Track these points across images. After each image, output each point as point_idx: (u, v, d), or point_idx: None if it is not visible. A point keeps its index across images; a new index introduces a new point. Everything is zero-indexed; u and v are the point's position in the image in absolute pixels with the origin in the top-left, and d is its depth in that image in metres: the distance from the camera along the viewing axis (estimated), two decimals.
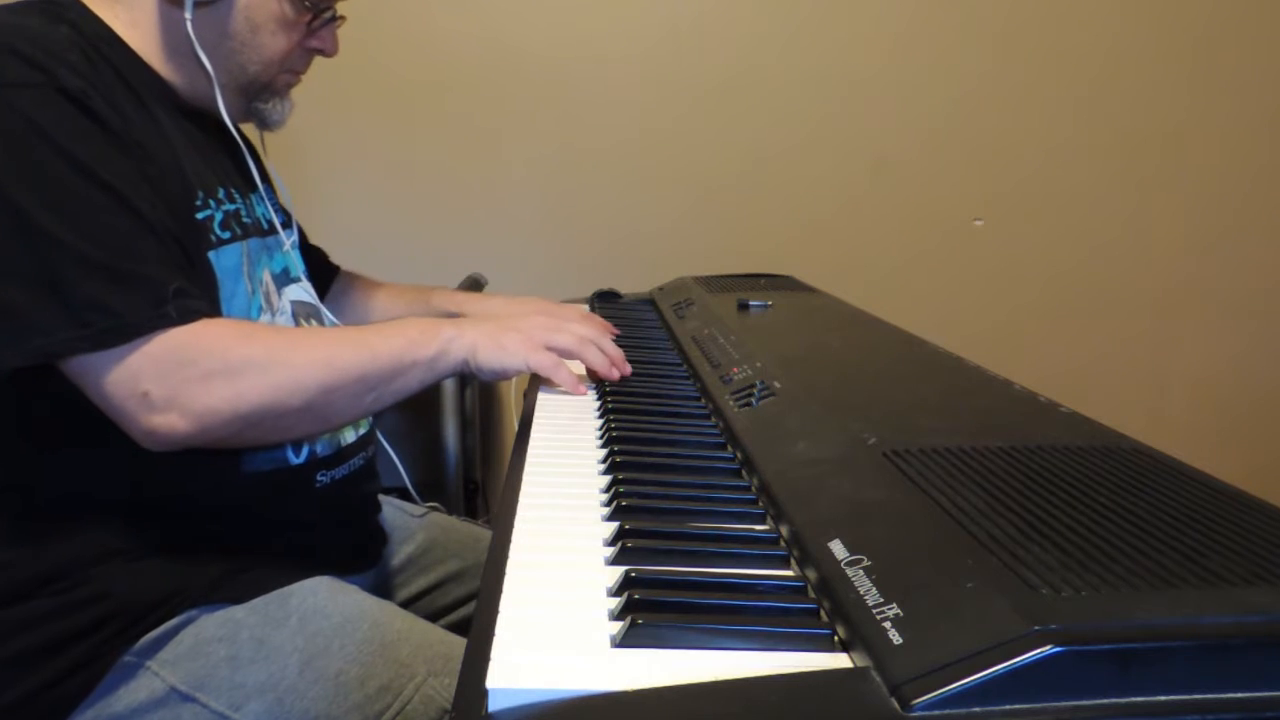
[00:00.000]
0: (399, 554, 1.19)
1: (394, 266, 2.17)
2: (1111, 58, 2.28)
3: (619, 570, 0.59)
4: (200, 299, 0.87)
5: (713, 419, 0.95)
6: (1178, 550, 0.54)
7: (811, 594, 0.58)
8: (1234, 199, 2.35)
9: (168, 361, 0.83)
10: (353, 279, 1.30)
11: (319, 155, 2.13)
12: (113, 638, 0.87)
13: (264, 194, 1.08)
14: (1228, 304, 2.39)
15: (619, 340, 1.13)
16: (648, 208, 2.23)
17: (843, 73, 2.23)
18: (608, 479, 0.77)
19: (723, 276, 1.68)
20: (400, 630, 0.92)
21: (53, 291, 0.80)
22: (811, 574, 0.58)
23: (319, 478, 0.99)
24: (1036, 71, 2.27)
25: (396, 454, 1.22)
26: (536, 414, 0.97)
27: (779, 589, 0.59)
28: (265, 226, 1.05)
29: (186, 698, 0.87)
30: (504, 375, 1.00)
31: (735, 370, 1.02)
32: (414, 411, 1.99)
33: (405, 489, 1.26)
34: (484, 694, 0.46)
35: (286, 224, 1.10)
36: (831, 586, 0.54)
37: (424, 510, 1.25)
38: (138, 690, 0.87)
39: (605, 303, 1.62)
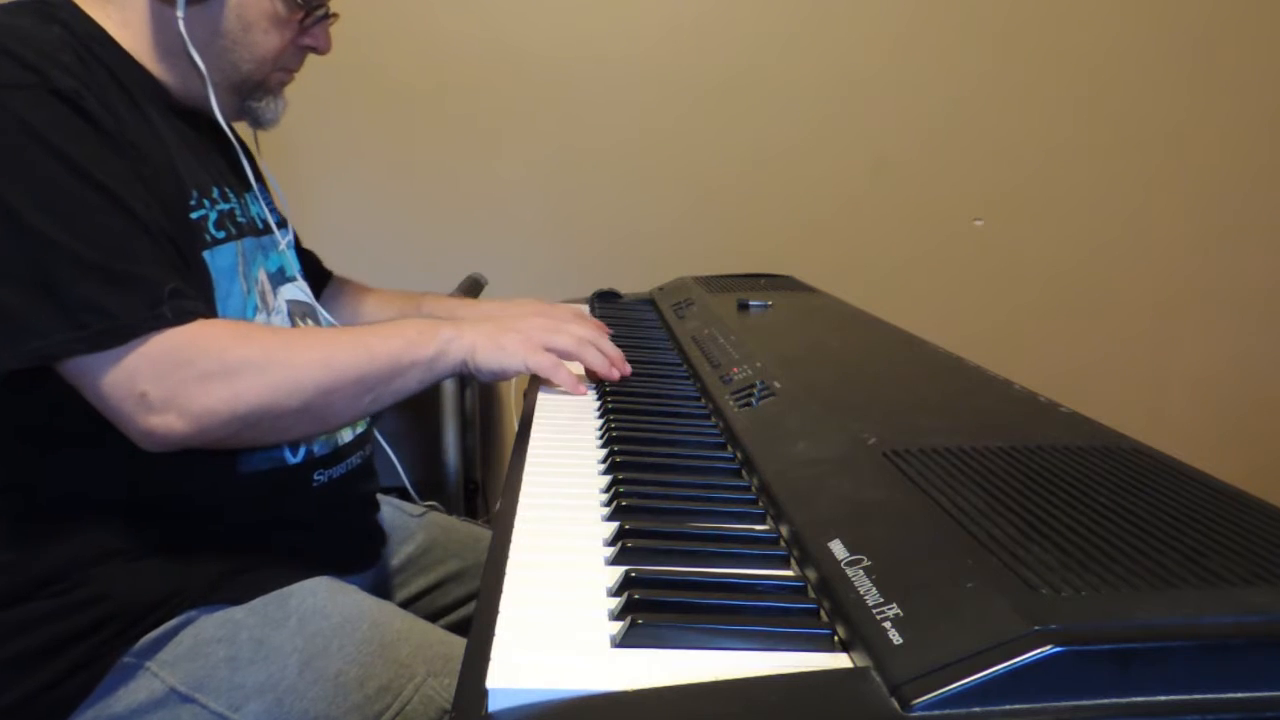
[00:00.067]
0: (399, 554, 1.19)
1: (394, 266, 2.18)
2: (1111, 58, 2.28)
3: (619, 570, 0.59)
4: (196, 299, 0.87)
5: (713, 419, 0.95)
6: (1178, 550, 0.54)
7: (811, 594, 0.58)
8: (1234, 199, 2.35)
9: (165, 362, 0.83)
10: (344, 284, 1.30)
11: (319, 155, 2.14)
12: (112, 639, 0.87)
13: (258, 194, 1.08)
14: (1228, 304, 2.39)
15: (618, 340, 1.13)
16: (648, 208, 2.23)
17: (843, 73, 2.23)
18: (608, 479, 0.77)
19: (723, 276, 1.68)
20: (400, 630, 0.92)
21: (48, 293, 0.80)
22: (811, 574, 0.58)
23: (316, 477, 0.99)
24: (1036, 71, 2.27)
25: (396, 454, 1.22)
26: (536, 414, 0.97)
27: (779, 589, 0.59)
28: (260, 226, 1.05)
29: (186, 698, 0.87)
30: (503, 376, 1.00)
31: (735, 370, 1.02)
32: (414, 412, 1.99)
33: (404, 489, 1.26)
34: (484, 694, 0.46)
35: (282, 224, 1.10)
36: (831, 586, 0.54)
37: (423, 510, 1.25)
38: (137, 691, 0.87)
39: (605, 303, 1.62)
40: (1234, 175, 2.34)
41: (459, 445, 1.91)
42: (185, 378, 0.83)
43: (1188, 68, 2.29)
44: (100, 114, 0.85)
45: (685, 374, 1.13)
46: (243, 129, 1.09)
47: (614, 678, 0.47)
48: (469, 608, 1.18)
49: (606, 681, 0.47)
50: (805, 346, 1.22)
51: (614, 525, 0.67)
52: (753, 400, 0.91)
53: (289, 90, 1.06)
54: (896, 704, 0.43)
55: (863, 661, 0.48)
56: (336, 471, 1.02)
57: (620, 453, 0.82)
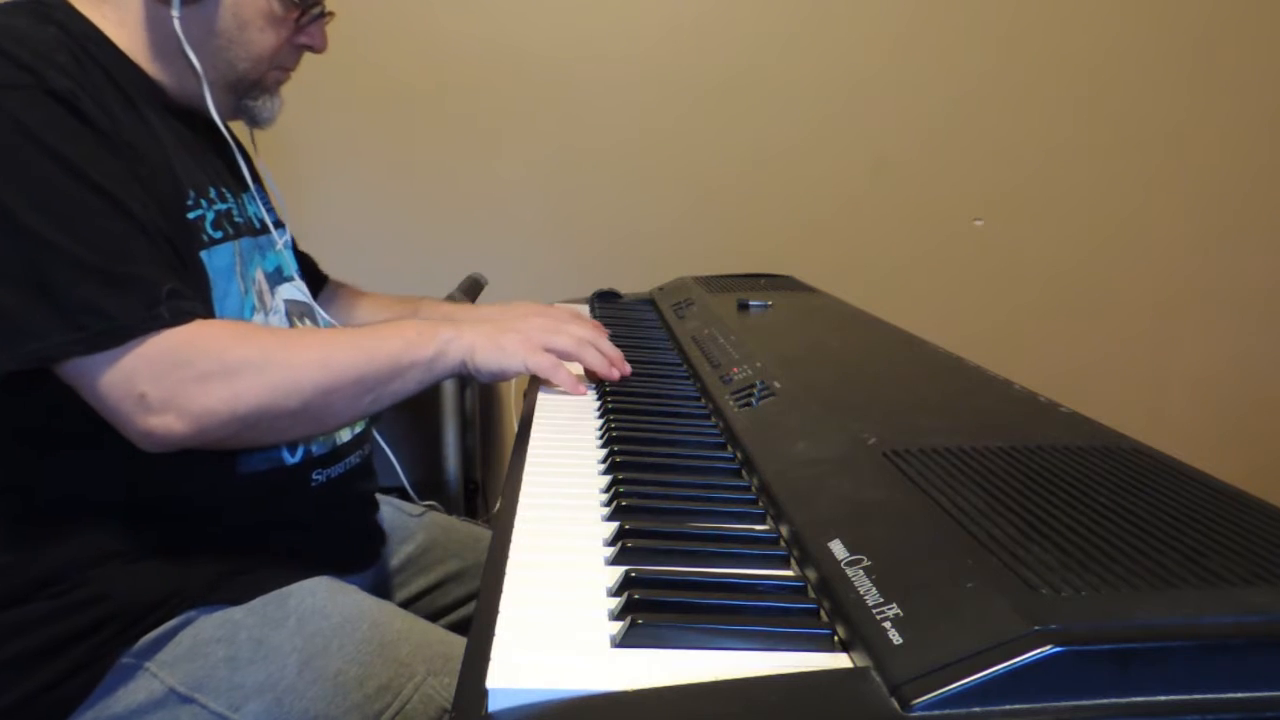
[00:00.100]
0: (399, 554, 1.19)
1: (394, 266, 2.18)
2: (1111, 58, 2.28)
3: (619, 570, 0.59)
4: (194, 300, 0.87)
5: (713, 419, 0.95)
6: (1178, 550, 0.54)
7: (811, 594, 0.58)
8: (1234, 199, 2.35)
9: (163, 363, 0.83)
10: (340, 288, 1.29)
11: (320, 155, 2.14)
12: (111, 639, 0.87)
13: (255, 194, 1.08)
14: (1228, 304, 2.39)
15: (618, 340, 1.13)
16: (648, 208, 2.23)
17: (843, 73, 2.23)
18: (608, 479, 0.77)
19: (723, 276, 1.68)
20: (399, 630, 0.92)
21: (45, 294, 0.80)
22: (811, 574, 0.58)
23: (315, 477, 0.99)
24: (1036, 71, 2.27)
25: (397, 454, 1.22)
26: (536, 414, 0.97)
27: (779, 589, 0.59)
28: (257, 226, 1.05)
29: (185, 699, 0.87)
30: (502, 376, 1.00)
31: (735, 370, 1.02)
32: (414, 412, 1.98)
33: (403, 489, 1.26)
34: (484, 694, 0.46)
35: (279, 224, 1.10)
36: (831, 586, 0.54)
37: (422, 510, 1.25)
38: (136, 692, 0.87)
39: (605, 303, 1.62)
40: (1234, 175, 2.34)
41: (459, 445, 1.91)
42: (184, 378, 0.83)
43: (1188, 68, 2.29)
44: (96, 114, 0.84)
45: (685, 374, 1.13)
46: (240, 129, 1.09)
47: (614, 678, 0.47)
48: (469, 608, 1.18)
49: (606, 681, 0.47)
50: (805, 346, 1.22)
51: (614, 525, 0.67)
52: (753, 400, 0.91)
53: (289, 90, 1.05)
54: (896, 704, 0.43)
55: (863, 661, 0.48)
56: (335, 471, 1.02)
57: (620, 453, 0.82)
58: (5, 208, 0.80)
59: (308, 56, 1.05)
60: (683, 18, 2.18)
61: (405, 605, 1.14)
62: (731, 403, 0.93)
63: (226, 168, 1.04)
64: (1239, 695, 0.44)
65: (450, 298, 1.83)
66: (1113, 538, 0.56)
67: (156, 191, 0.88)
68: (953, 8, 2.23)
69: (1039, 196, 2.32)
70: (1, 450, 0.90)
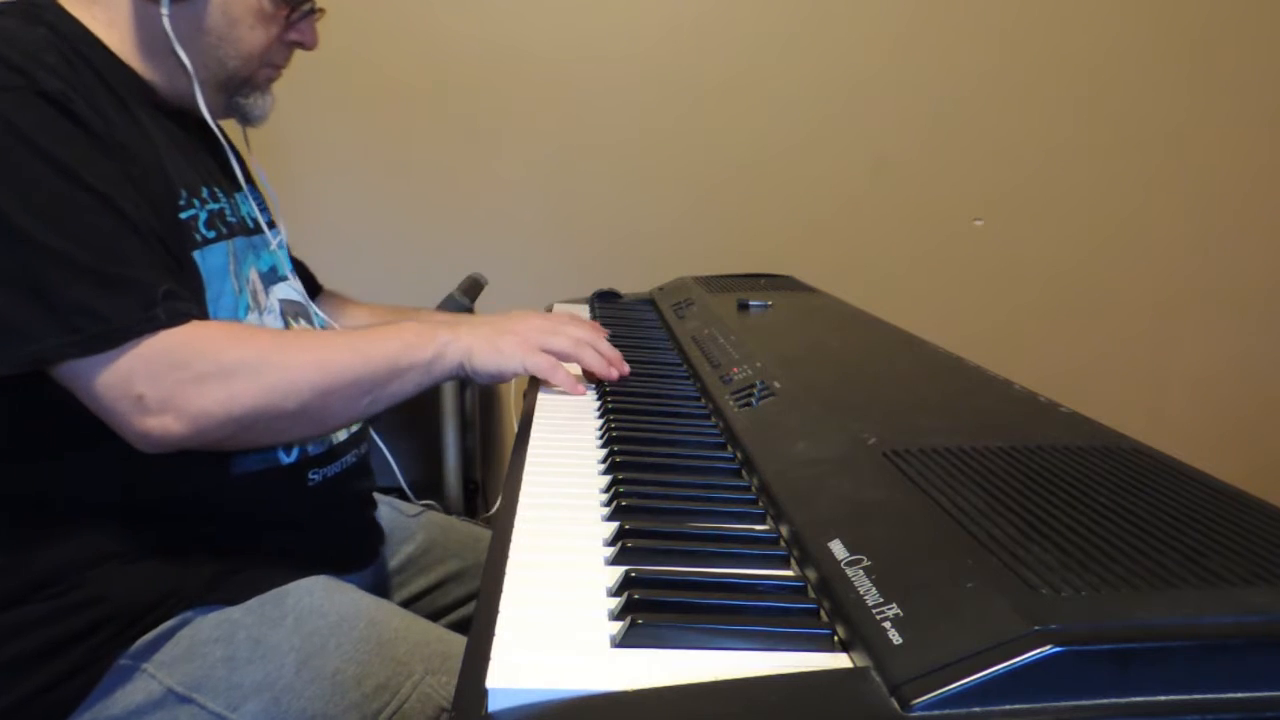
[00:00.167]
0: (399, 554, 1.19)
1: (394, 266, 2.18)
2: (1111, 58, 2.28)
3: (619, 570, 0.59)
4: (189, 301, 0.87)
5: (713, 419, 0.95)
6: (1178, 550, 0.54)
7: (811, 594, 0.58)
8: (1234, 199, 2.35)
9: (160, 364, 0.83)
10: (335, 298, 1.29)
11: (319, 155, 2.13)
12: (108, 641, 0.87)
13: (248, 193, 1.07)
14: (1228, 304, 2.39)
15: (618, 340, 1.13)
16: (648, 208, 2.23)
17: (843, 73, 2.23)
18: (608, 479, 0.77)
19: (723, 276, 1.68)
20: (397, 628, 0.92)
21: (40, 297, 0.80)
22: (811, 574, 0.58)
23: (311, 476, 0.99)
24: (1036, 71, 2.27)
25: (397, 454, 1.22)
26: (536, 414, 0.97)
27: (779, 589, 0.59)
28: (251, 225, 1.04)
29: (184, 699, 0.86)
30: (500, 378, 1.00)
31: (735, 370, 1.02)
32: (414, 412, 1.98)
33: (400, 488, 1.26)
34: (484, 694, 0.46)
35: (272, 223, 1.10)
36: (831, 586, 0.54)
37: (419, 509, 1.25)
38: (134, 693, 0.87)
39: (605, 303, 1.62)
40: (1234, 175, 2.34)
41: (459, 445, 1.91)
42: (181, 379, 0.83)
43: (1188, 68, 2.29)
44: (88, 115, 0.84)
45: (685, 374, 1.13)
46: (233, 128, 1.08)
47: (614, 678, 0.47)
48: (469, 608, 1.18)
49: (606, 681, 0.47)
50: (805, 346, 1.22)
51: (614, 525, 0.67)
52: (753, 400, 0.91)
53: (289, 90, 1.05)
54: (896, 704, 0.43)
55: (863, 661, 0.48)
56: (331, 470, 1.02)
57: (620, 453, 0.82)
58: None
59: (306, 56, 1.05)
60: (683, 18, 2.18)
61: (405, 605, 1.14)
62: (731, 403, 0.93)
63: (219, 167, 1.04)
64: (1239, 695, 0.44)
65: (450, 297, 1.83)
66: (1113, 538, 0.55)
67: (149, 192, 0.88)
68: (953, 8, 2.23)
69: (1039, 196, 2.32)
70: None
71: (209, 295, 0.92)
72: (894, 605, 0.50)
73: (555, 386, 1.03)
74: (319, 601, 0.92)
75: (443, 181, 2.18)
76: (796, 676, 0.47)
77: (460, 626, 1.12)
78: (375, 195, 2.18)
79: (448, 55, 2.14)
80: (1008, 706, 0.42)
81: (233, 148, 1.07)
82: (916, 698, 0.43)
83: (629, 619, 0.52)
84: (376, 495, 1.16)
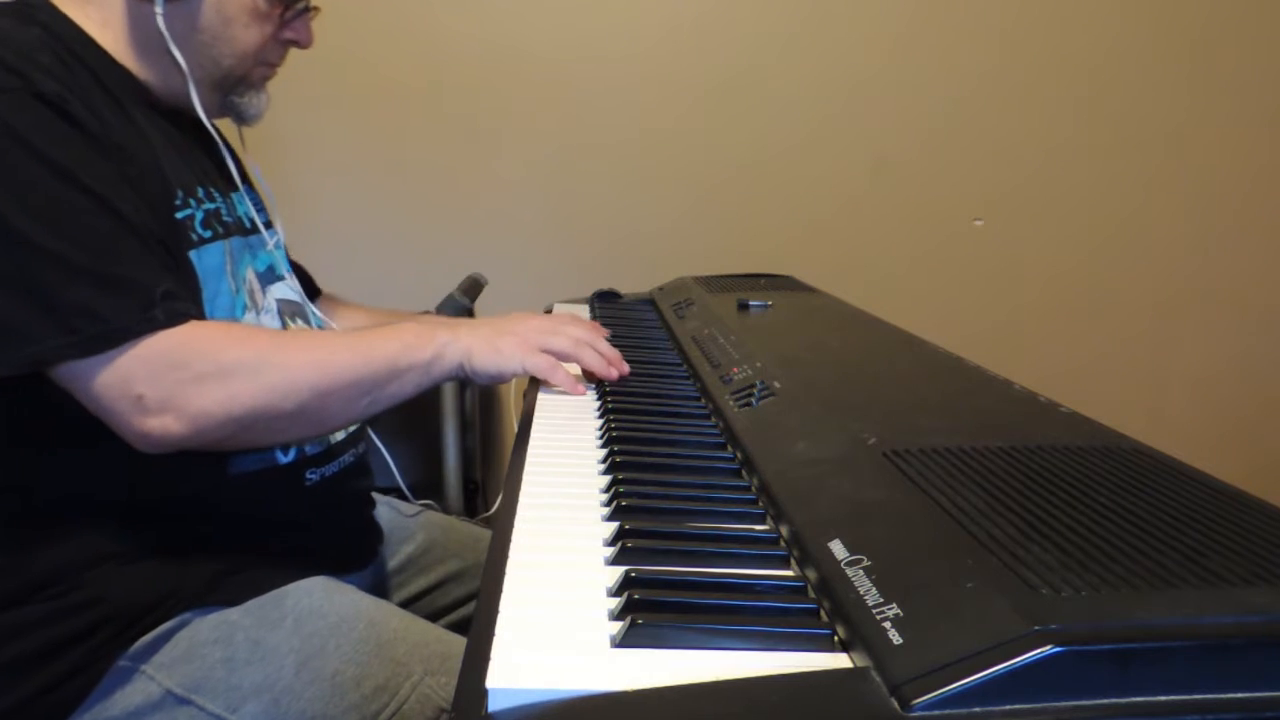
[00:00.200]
0: (398, 554, 1.18)
1: (394, 266, 2.18)
2: (1111, 58, 2.28)
3: (619, 570, 0.59)
4: (188, 301, 0.87)
5: (713, 419, 0.95)
6: (1178, 550, 0.54)
7: (811, 594, 0.58)
8: (1234, 199, 2.35)
9: (160, 364, 0.83)
10: (334, 301, 1.29)
11: (320, 156, 2.14)
12: (107, 642, 0.87)
13: (245, 193, 1.07)
14: (1228, 304, 2.39)
15: (618, 340, 1.13)
16: (648, 208, 2.23)
17: (843, 73, 2.23)
18: (608, 479, 0.77)
19: (723, 276, 1.68)
20: (396, 629, 0.92)
21: (38, 298, 0.80)
22: (811, 574, 0.58)
23: (309, 476, 0.99)
24: (1036, 71, 2.27)
25: (397, 453, 1.21)
26: (536, 414, 0.97)
27: (779, 589, 0.59)
28: (247, 225, 1.04)
29: (183, 700, 0.86)
30: (500, 379, 1.00)
31: (735, 370, 1.02)
32: (414, 412, 1.98)
33: (399, 488, 1.26)
34: (484, 694, 0.46)
35: (269, 224, 1.10)
36: (831, 586, 0.54)
37: (417, 509, 1.25)
38: (133, 694, 0.87)
39: (605, 303, 1.62)
40: (1234, 175, 2.34)
41: (459, 445, 1.91)
42: (181, 380, 0.83)
43: (1188, 68, 2.29)
44: (84, 116, 0.84)
45: (685, 374, 1.13)
46: (229, 129, 1.08)
47: (614, 678, 0.47)
48: (469, 608, 1.18)
49: (606, 681, 0.47)
50: (805, 346, 1.22)
51: (614, 525, 0.66)
52: (753, 400, 0.91)
53: (289, 90, 1.05)
54: (896, 704, 0.43)
55: (863, 661, 0.48)
56: (329, 470, 1.02)
57: (620, 453, 0.81)
58: None
59: (310, 57, 1.05)
60: (683, 18, 2.18)
61: (405, 605, 1.14)
62: (731, 403, 0.93)
63: (215, 167, 1.04)
64: (1239, 695, 0.44)
65: (450, 297, 1.83)
66: (1113, 538, 0.55)
67: (145, 192, 0.88)
68: (953, 8, 2.23)
69: (1039, 196, 2.32)
70: None
71: (205, 295, 0.92)
72: (894, 605, 0.50)
73: (555, 386, 1.03)
74: (318, 603, 0.92)
75: (443, 181, 2.18)
76: (797, 676, 0.47)
77: (460, 627, 1.12)
78: (375, 195, 2.18)
79: (448, 55, 2.14)
80: (1008, 706, 0.42)
81: (229, 147, 1.07)
82: (917, 698, 0.43)
83: (629, 619, 0.52)
84: (375, 495, 1.16)
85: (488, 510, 2.11)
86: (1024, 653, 0.43)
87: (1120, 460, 0.71)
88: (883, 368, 1.11)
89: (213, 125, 1.02)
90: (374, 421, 1.14)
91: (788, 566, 0.63)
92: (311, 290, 1.26)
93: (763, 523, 0.70)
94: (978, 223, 2.32)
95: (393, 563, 1.18)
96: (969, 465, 0.68)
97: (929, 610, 0.49)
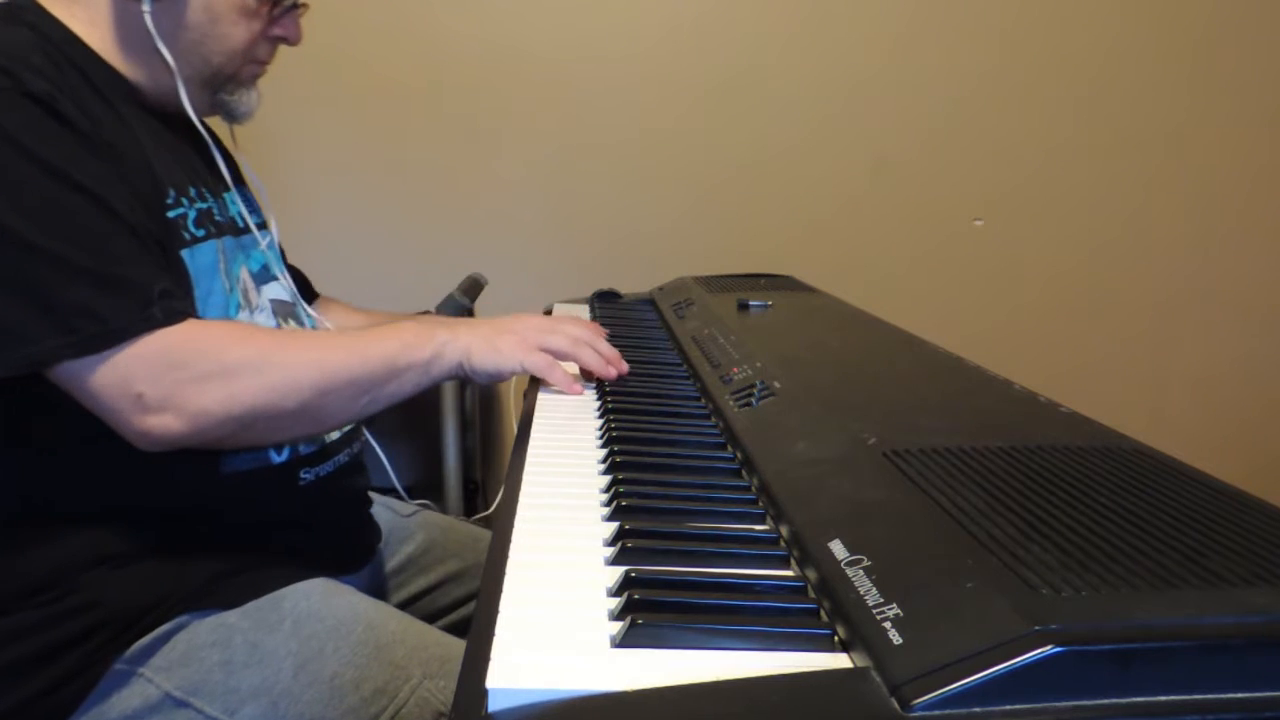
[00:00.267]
0: (398, 554, 1.18)
1: (395, 266, 2.18)
2: (1111, 58, 2.28)
3: (619, 570, 0.59)
4: (185, 299, 0.87)
5: (713, 419, 0.95)
6: (1178, 550, 0.54)
7: (811, 594, 0.58)
8: (1234, 199, 2.35)
9: (160, 363, 0.82)
10: (332, 304, 1.28)
11: (320, 156, 2.13)
12: (104, 645, 0.87)
13: (237, 194, 1.07)
14: (1228, 304, 2.39)
15: (618, 340, 1.13)
16: (648, 208, 2.23)
17: (843, 73, 2.23)
18: (608, 479, 0.77)
19: (723, 276, 1.68)
20: (395, 632, 0.91)
21: (36, 299, 0.80)
22: (811, 574, 0.58)
23: (303, 475, 0.99)
24: (1036, 71, 2.27)
25: (397, 453, 1.21)
26: (536, 414, 0.97)
27: (779, 589, 0.59)
28: (240, 225, 1.04)
29: (181, 703, 0.86)
30: (499, 377, 1.00)
31: (735, 370, 1.02)
32: (414, 412, 1.98)
33: (396, 488, 1.26)
34: (484, 694, 0.46)
35: (262, 225, 1.10)
36: (831, 586, 0.54)
37: (414, 509, 1.25)
38: (131, 697, 0.87)
39: (605, 303, 1.62)
40: (1234, 175, 2.34)
41: (459, 445, 1.91)
42: (181, 378, 0.83)
43: (1188, 68, 2.29)
44: (75, 115, 0.84)
45: (685, 374, 1.13)
46: (221, 128, 1.08)
47: (614, 678, 0.47)
48: (468, 608, 1.18)
49: (606, 681, 0.47)
50: (805, 346, 1.22)
51: (614, 525, 0.66)
52: (753, 400, 0.91)
53: (288, 90, 1.05)
54: (896, 704, 0.43)
55: (863, 661, 0.48)
56: (324, 469, 1.01)
57: (620, 453, 0.81)
58: None
59: (308, 57, 1.05)
60: (683, 18, 2.18)
61: (404, 605, 1.14)
62: (731, 403, 0.93)
63: (206, 167, 1.04)
64: (1239, 695, 0.44)
65: (450, 297, 1.83)
66: (1113, 538, 0.55)
67: (137, 190, 0.88)
68: (953, 8, 2.23)
69: (1039, 196, 2.32)
70: None
71: (197, 294, 0.92)
72: (894, 605, 0.50)
73: (553, 386, 1.03)
74: (316, 605, 0.92)
75: (443, 181, 2.18)
76: (797, 676, 0.47)
77: (460, 627, 1.12)
78: (376, 195, 2.18)
79: (447, 55, 2.14)
80: (1008, 706, 0.42)
81: (220, 147, 1.07)
82: (917, 698, 0.43)
83: (629, 619, 0.52)
84: (372, 495, 1.16)
85: (487, 510, 2.11)
86: (1024, 653, 0.43)
87: (1120, 460, 0.71)
88: (883, 368, 1.11)
89: (203, 124, 1.02)
90: (371, 421, 1.14)
91: (788, 566, 0.63)
92: (309, 293, 1.26)
93: (763, 523, 0.70)
94: (978, 223, 2.32)
95: (392, 563, 1.18)
96: (969, 465, 0.68)
97: (929, 610, 0.49)
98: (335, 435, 1.04)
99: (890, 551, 0.56)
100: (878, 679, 0.45)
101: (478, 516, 1.97)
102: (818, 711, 0.45)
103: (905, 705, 0.43)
